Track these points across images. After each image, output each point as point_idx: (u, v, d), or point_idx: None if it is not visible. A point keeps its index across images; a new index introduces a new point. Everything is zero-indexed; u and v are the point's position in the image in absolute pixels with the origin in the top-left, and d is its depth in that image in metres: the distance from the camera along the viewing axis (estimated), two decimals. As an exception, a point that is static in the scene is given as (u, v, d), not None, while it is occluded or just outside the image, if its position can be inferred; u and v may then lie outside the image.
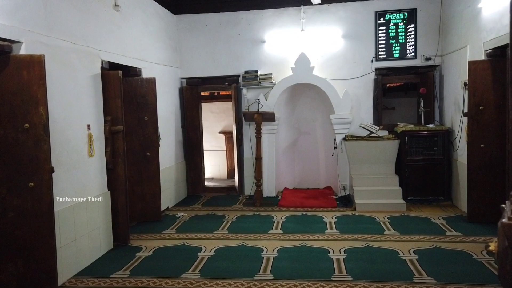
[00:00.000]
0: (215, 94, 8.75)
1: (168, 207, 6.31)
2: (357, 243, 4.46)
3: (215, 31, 7.11)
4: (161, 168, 5.89)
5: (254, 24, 7.01)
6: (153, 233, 5.08)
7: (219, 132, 9.02)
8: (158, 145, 5.65)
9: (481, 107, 4.93)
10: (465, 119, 5.31)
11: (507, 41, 4.38)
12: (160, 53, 6.36)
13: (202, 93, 8.20)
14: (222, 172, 9.09)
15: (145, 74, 5.66)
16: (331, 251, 4.25)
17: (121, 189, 4.65)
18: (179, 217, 5.82)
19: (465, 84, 5.33)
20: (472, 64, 4.94)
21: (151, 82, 5.51)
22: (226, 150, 8.95)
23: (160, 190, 5.67)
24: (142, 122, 5.52)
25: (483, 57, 5.00)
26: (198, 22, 7.12)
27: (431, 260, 3.96)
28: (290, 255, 4.19)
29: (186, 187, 7.23)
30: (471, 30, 5.34)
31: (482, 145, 4.94)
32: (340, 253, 4.19)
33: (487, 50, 4.92)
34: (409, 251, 4.17)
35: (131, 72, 5.43)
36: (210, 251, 4.37)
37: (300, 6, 6.73)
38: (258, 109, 6.47)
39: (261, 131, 6.47)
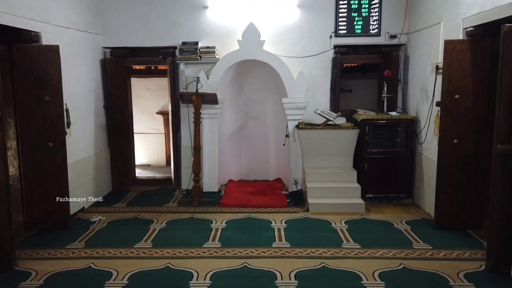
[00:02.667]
0: (152, 68, 7.51)
1: (84, 207, 5.14)
2: (311, 262, 3.61)
3: (147, -9, 5.83)
4: (75, 159, 4.79)
5: (194, -15, 5.82)
6: (54, 248, 3.94)
7: (157, 113, 7.82)
8: (65, 133, 4.44)
9: (456, 96, 4.18)
10: (435, 108, 4.59)
11: (495, 16, 3.61)
12: (71, 15, 5.02)
13: (136, 67, 6.97)
14: (160, 158, 7.95)
15: (49, 41, 4.38)
16: (278, 276, 3.37)
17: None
18: (95, 222, 4.69)
19: (437, 67, 4.58)
20: (449, 44, 4.15)
21: (53, 50, 4.24)
22: (165, 133, 7.80)
23: (69, 188, 4.50)
24: (42, 104, 4.26)
25: (461, 36, 4.22)
26: (125, -22, 5.81)
27: None
28: (227, 284, 3.26)
29: (111, 180, 6.05)
30: (447, 3, 4.54)
31: (455, 141, 4.23)
32: (290, 278, 3.31)
33: (466, 28, 4.14)
34: (373, 274, 3.38)
35: (23, 37, 4.12)
36: (122, 279, 3.33)
37: (250, -34, 5.63)
38: (197, 90, 5.38)
39: (200, 115, 5.40)
